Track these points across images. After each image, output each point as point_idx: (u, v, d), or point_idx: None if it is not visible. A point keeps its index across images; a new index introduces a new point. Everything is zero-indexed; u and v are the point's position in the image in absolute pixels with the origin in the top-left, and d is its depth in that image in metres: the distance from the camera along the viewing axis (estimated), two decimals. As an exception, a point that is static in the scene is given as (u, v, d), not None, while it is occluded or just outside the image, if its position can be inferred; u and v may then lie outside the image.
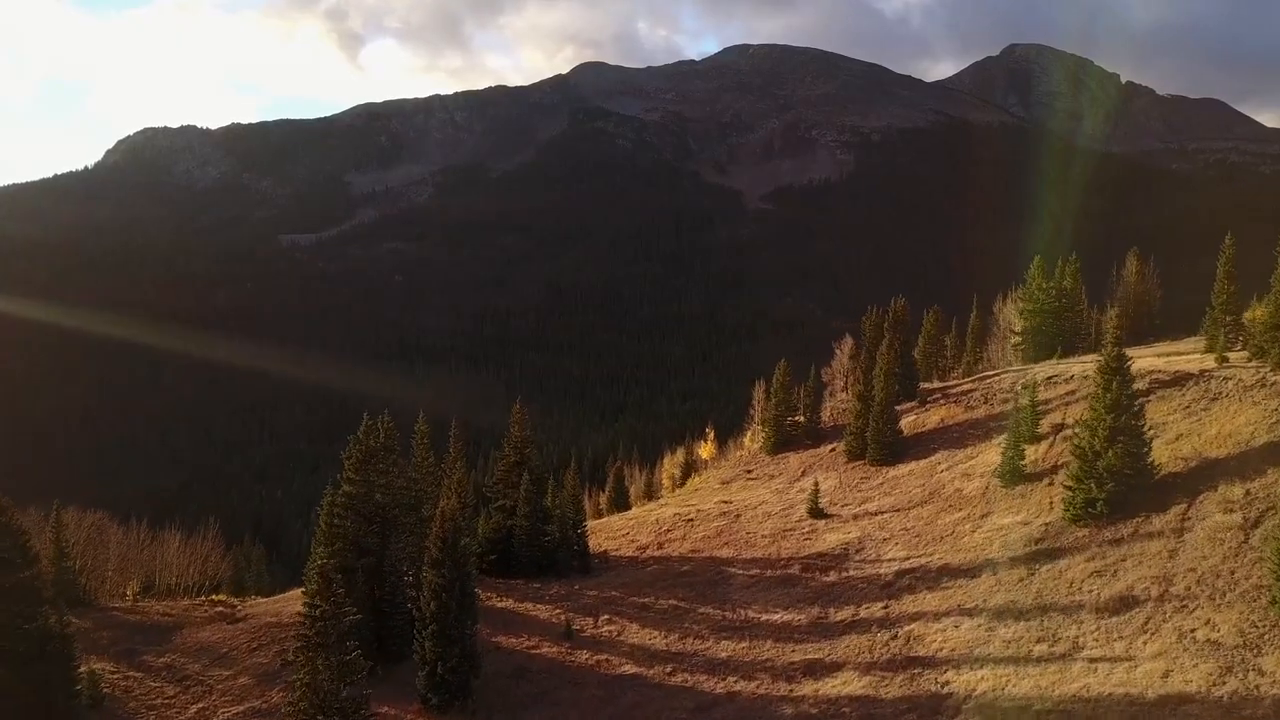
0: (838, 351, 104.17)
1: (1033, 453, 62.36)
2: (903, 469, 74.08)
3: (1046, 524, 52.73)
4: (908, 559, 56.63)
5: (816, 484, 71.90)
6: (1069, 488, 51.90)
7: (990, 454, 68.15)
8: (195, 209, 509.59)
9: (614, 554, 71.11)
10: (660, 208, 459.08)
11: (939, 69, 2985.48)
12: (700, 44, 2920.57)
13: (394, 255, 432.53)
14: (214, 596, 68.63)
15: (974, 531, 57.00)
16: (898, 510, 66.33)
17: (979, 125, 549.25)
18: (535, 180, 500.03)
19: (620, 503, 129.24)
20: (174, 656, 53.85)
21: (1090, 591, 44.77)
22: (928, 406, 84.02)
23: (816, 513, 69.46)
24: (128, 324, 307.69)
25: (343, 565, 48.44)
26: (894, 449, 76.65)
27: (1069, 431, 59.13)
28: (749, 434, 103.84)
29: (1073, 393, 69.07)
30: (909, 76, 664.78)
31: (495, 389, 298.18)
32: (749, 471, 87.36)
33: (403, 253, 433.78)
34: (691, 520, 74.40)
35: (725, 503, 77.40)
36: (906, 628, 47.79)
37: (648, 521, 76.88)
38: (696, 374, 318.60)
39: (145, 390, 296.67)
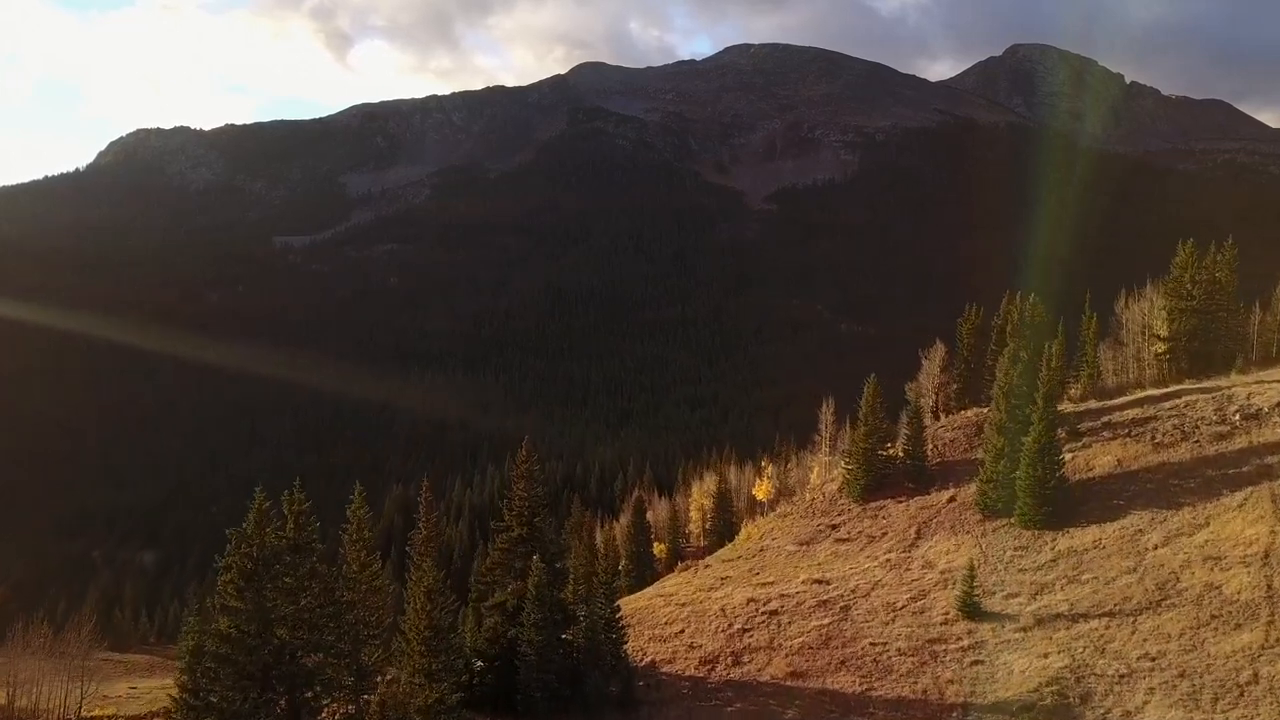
0: (925, 361, 79.14)
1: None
2: (1082, 537, 49.35)
3: None
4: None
5: (972, 565, 46.90)
6: None
7: (1236, 522, 43.60)
8: (189, 210, 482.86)
9: (666, 669, 46.26)
10: (661, 209, 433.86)
11: (936, 69, 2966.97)
12: (692, 43, 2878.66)
13: (390, 257, 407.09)
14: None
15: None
16: (1111, 614, 41.61)
17: (985, 125, 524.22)
18: (534, 181, 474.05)
19: (641, 539, 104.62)
20: None
21: None
22: (1085, 440, 59.21)
23: (972, 609, 44.79)
24: (117, 326, 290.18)
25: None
26: (1059, 505, 52.05)
27: None
28: (815, 468, 78.81)
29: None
30: (913, 76, 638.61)
31: (494, 393, 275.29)
32: (834, 527, 62.31)
33: (399, 255, 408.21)
34: (776, 613, 49.49)
35: (818, 582, 52.49)
36: None
37: (709, 609, 51.92)
38: (703, 380, 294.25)
39: (133, 395, 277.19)
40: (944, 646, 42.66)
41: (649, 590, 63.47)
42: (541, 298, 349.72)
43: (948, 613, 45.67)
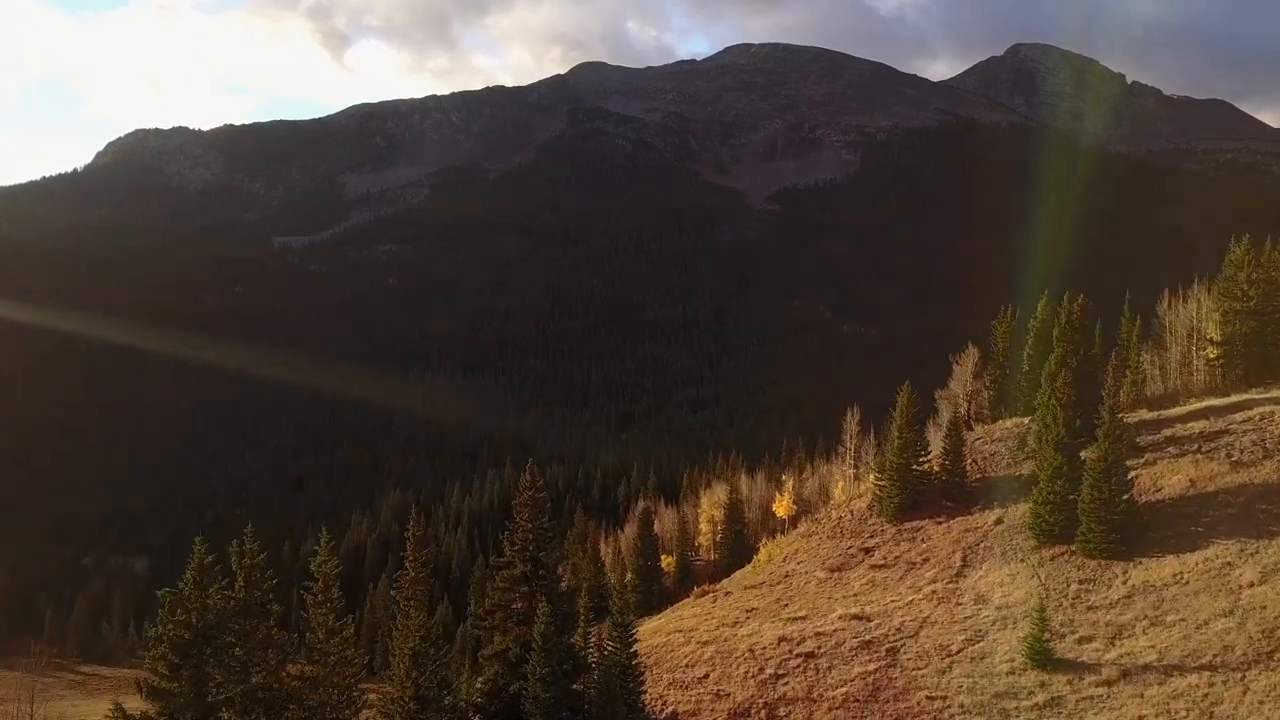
0: (956, 367, 72.89)
1: None
2: (1158, 570, 43.24)
3: None
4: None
5: (1041, 605, 40.74)
6: None
7: (1347, 557, 37.37)
8: (187, 211, 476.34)
9: (691, 722, 40.20)
10: (662, 209, 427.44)
11: (935, 68, 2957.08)
12: (690, 43, 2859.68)
13: (389, 257, 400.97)
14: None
15: None
16: (1211, 668, 35.46)
17: (986, 125, 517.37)
18: (534, 181, 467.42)
19: (649, 552, 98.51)
20: None
21: None
22: (1148, 457, 53.05)
23: (1042, 657, 38.66)
24: (116, 327, 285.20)
25: None
26: (1128, 532, 45.98)
27: None
28: (840, 483, 72.51)
29: None
30: (915, 76, 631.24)
31: (493, 395, 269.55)
32: (868, 551, 56.14)
33: (398, 255, 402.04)
34: (812, 656, 43.35)
35: (858, 618, 46.32)
36: None
37: (736, 650, 45.75)
38: (705, 381, 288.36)
39: (132, 395, 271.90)
40: (1015, 703, 36.54)
41: (665, 622, 57.17)
42: (541, 298, 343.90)
43: (1013, 659, 39.56)
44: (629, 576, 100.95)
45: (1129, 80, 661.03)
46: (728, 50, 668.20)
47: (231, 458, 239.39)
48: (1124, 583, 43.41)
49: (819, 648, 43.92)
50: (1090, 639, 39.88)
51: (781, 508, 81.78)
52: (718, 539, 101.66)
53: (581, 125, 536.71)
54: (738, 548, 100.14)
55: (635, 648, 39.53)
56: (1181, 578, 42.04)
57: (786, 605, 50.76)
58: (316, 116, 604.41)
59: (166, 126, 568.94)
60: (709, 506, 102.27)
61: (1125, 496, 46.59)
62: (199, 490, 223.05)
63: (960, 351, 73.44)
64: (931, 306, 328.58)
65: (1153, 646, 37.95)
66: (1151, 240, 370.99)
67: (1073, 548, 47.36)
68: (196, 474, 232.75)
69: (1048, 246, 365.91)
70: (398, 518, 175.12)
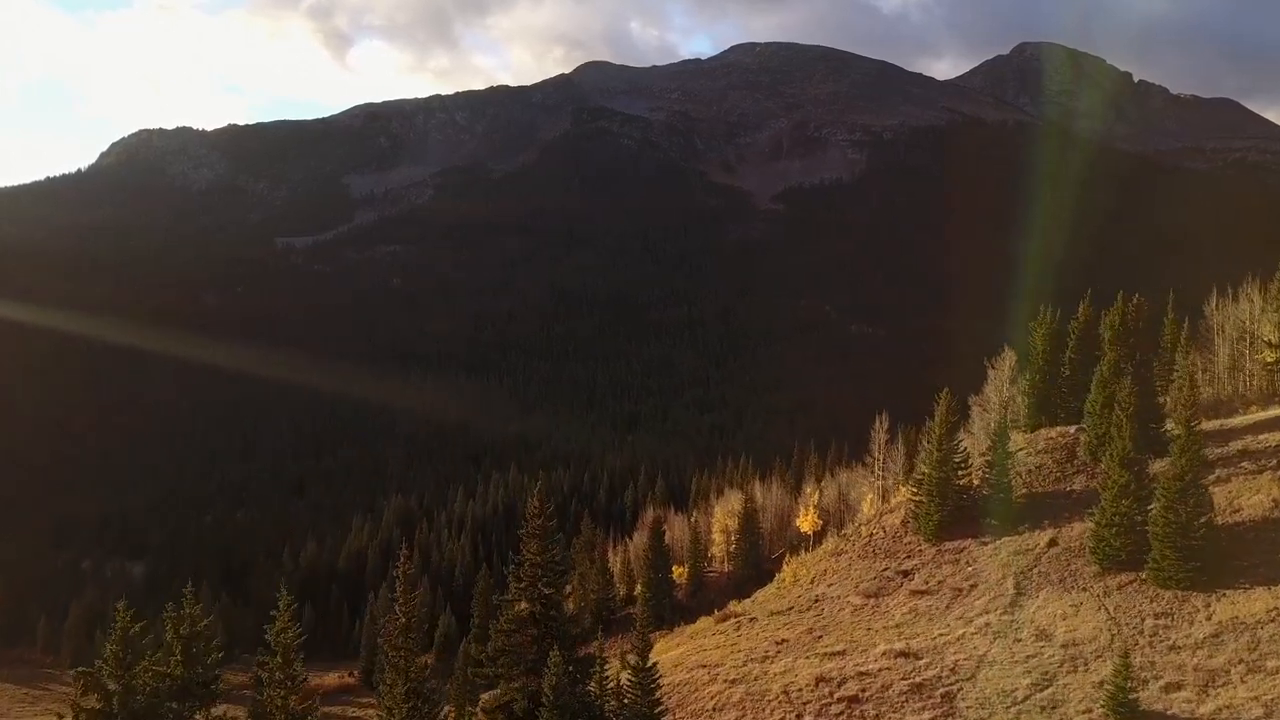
0: (991, 371, 67.55)
1: None
2: (1248, 604, 38.02)
3: None
4: None
5: (1125, 650, 35.53)
6: None
7: None
8: (190, 211, 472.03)
9: (722, 780, 34.99)
10: (667, 209, 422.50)
11: (939, 67, 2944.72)
12: (692, 43, 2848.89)
13: (392, 258, 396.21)
14: None
15: None
16: (1332, 727, 30.23)
17: (993, 124, 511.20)
18: (538, 181, 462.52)
19: (660, 564, 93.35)
20: None
21: None
22: (1218, 473, 47.77)
23: (1127, 710, 33.43)
24: (118, 327, 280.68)
25: None
26: (1207, 559, 40.79)
27: None
28: (868, 496, 67.19)
29: None
30: (920, 74, 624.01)
31: (497, 397, 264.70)
32: (906, 574, 50.93)
33: (401, 255, 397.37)
34: (856, 701, 38.16)
35: (904, 656, 41.11)
36: None
37: (768, 691, 40.59)
38: (712, 382, 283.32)
39: (133, 396, 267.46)
40: (1100, 765, 31.38)
41: (686, 653, 51.74)
42: (546, 299, 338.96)
43: (1090, 710, 34.37)
44: (638, 589, 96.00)
45: (1136, 79, 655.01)
46: (732, 49, 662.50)
47: (231, 459, 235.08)
48: (1208, 618, 38.23)
49: (863, 691, 38.74)
50: (1178, 686, 34.68)
51: (806, 522, 76.41)
52: (732, 550, 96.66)
53: (586, 125, 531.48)
54: (753, 559, 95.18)
55: (660, 698, 34.39)
56: (1277, 614, 36.85)
57: (821, 637, 45.56)
58: (319, 116, 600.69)
59: (170, 126, 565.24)
60: (722, 516, 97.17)
61: (1204, 519, 41.39)
62: (198, 492, 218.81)
63: (995, 356, 68.05)
64: (939, 306, 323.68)
65: (1256, 698, 32.75)
66: (1158, 240, 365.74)
67: (1143, 575, 42.21)
68: (196, 475, 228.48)
69: (1053, 246, 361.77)
70: (399, 522, 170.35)
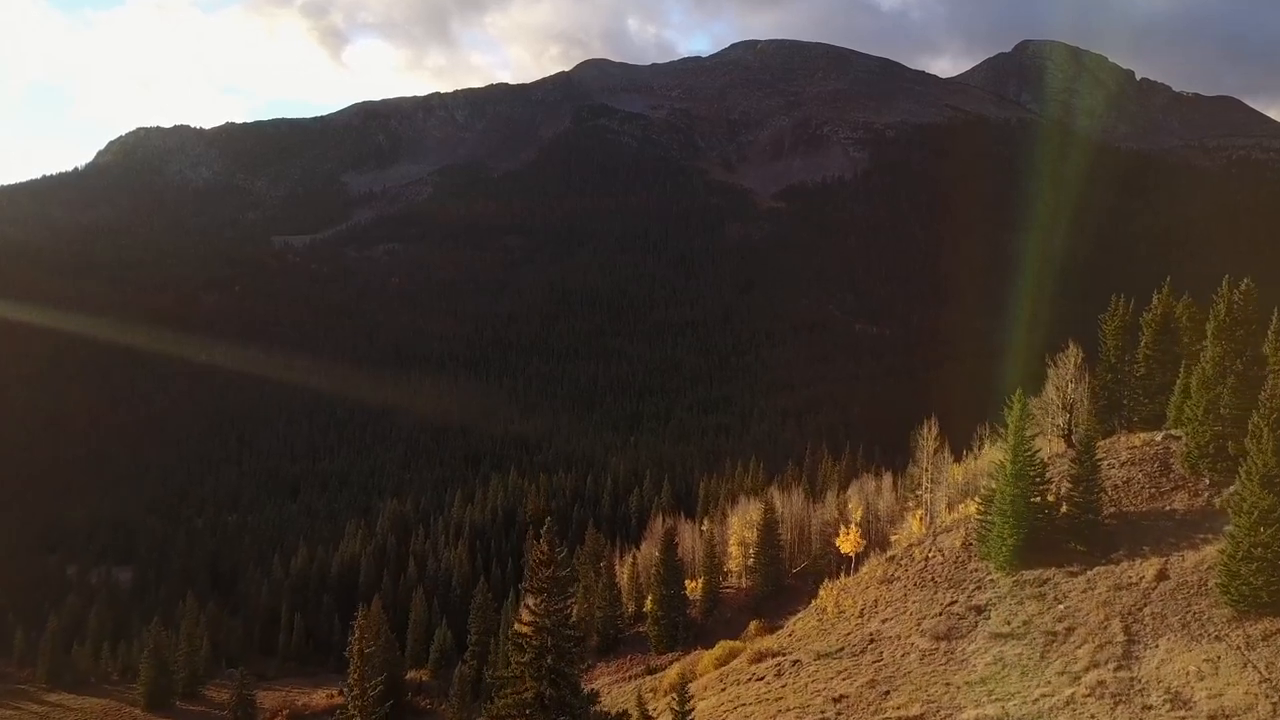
0: (1052, 369, 59.64)
1: None
2: None
3: None
4: None
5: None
6: None
7: None
8: (188, 210, 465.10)
9: None
10: (668, 207, 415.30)
11: (940, 65, 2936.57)
12: (690, 40, 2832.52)
13: (391, 257, 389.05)
14: None
15: None
16: None
17: (995, 122, 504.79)
18: (538, 180, 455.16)
19: (673, 580, 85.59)
20: None
21: None
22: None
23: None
24: (116, 328, 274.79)
25: None
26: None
27: None
28: (918, 513, 59.22)
29: None
30: (922, 72, 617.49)
31: (497, 398, 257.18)
32: (978, 610, 43.09)
33: (400, 255, 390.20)
34: (943, 781, 30.45)
35: None
36: None
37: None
38: (715, 382, 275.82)
39: (131, 396, 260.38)
40: None
41: (721, 711, 43.83)
42: (546, 299, 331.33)
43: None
44: (649, 605, 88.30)
45: (1138, 77, 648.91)
46: (733, 47, 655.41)
47: (229, 461, 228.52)
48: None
49: (948, 770, 30.93)
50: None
51: (847, 543, 68.46)
52: (749, 564, 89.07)
53: (586, 123, 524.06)
54: (773, 574, 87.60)
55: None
56: None
57: (888, 693, 37.75)
58: (317, 115, 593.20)
59: (168, 125, 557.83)
60: (739, 527, 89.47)
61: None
62: (192, 495, 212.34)
63: (1060, 352, 60.06)
64: (943, 304, 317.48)
65: None
66: (1160, 238, 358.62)
67: (1288, 620, 34.42)
68: (192, 477, 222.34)
69: (1055, 244, 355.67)
70: (395, 527, 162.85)
